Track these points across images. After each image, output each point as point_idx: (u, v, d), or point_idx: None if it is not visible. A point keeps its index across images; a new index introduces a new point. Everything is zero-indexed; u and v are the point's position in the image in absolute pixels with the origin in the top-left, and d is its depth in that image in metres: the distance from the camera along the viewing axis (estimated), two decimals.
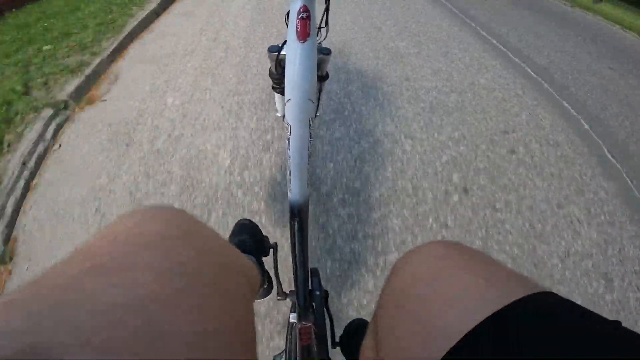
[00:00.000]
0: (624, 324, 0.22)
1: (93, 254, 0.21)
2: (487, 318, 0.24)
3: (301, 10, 0.56)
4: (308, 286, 0.68)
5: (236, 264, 0.33)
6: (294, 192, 0.67)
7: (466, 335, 0.24)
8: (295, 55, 0.58)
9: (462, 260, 0.33)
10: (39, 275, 0.19)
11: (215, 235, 0.32)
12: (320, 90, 1.04)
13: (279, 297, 0.72)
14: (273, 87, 1.05)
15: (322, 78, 0.98)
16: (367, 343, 0.44)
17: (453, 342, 0.24)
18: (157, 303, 0.18)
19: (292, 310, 0.67)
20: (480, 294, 0.27)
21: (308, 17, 0.56)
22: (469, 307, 0.26)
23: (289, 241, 0.70)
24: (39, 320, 0.15)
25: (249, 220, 0.86)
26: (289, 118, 0.61)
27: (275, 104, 1.44)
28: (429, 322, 0.27)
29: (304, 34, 0.56)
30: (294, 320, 0.62)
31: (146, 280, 0.19)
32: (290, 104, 0.60)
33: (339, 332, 0.66)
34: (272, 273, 0.74)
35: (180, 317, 0.19)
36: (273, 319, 1.13)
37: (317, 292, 0.65)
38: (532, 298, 0.25)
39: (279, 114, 1.38)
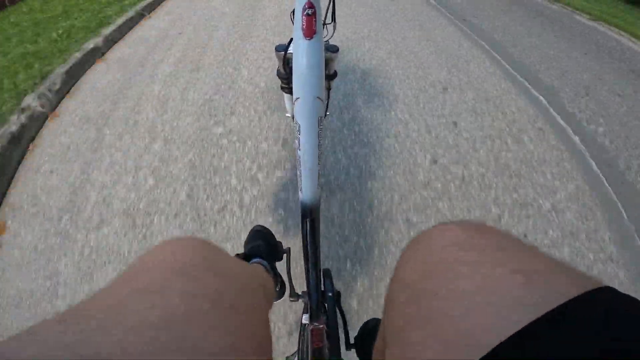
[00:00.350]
0: None
1: (134, 279, 0.25)
2: (528, 325, 0.19)
3: (306, 6, 0.55)
4: (320, 287, 0.67)
5: (253, 282, 0.37)
6: (305, 192, 0.66)
7: (498, 345, 0.19)
8: (302, 53, 0.57)
9: (489, 247, 0.27)
10: (89, 295, 0.23)
11: (234, 259, 0.37)
12: (328, 89, 1.03)
13: (291, 299, 0.72)
14: (282, 87, 1.04)
15: (330, 76, 0.96)
16: (378, 345, 0.40)
17: (481, 354, 0.19)
18: (186, 322, 0.21)
19: (305, 311, 0.66)
20: (517, 292, 0.21)
21: (314, 14, 0.55)
22: (503, 309, 0.20)
23: (301, 242, 0.70)
24: (89, 335, 0.18)
25: (263, 226, 0.87)
26: (298, 117, 0.60)
27: (284, 104, 1.44)
28: (449, 326, 0.22)
29: (310, 31, 0.55)
30: (306, 322, 0.61)
31: (177, 303, 0.23)
32: (299, 103, 0.59)
33: (353, 333, 0.65)
34: (285, 276, 0.74)
35: (206, 334, 0.22)
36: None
37: (330, 293, 0.64)
38: (585, 299, 0.20)
39: (288, 115, 1.38)
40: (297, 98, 0.59)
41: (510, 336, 0.19)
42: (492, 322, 0.20)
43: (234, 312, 0.27)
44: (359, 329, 0.64)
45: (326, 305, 0.63)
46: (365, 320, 0.67)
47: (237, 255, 0.71)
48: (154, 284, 0.24)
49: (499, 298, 0.21)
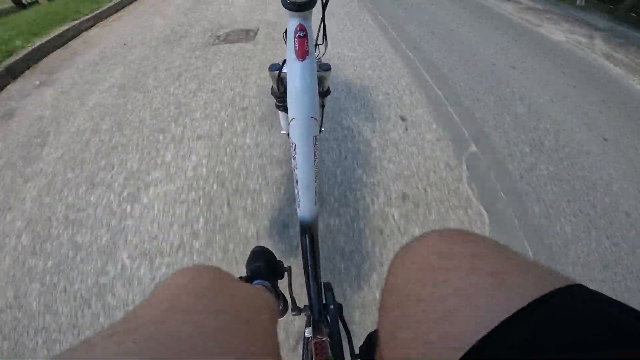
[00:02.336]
0: None
1: (165, 300, 0.30)
2: (497, 327, 0.20)
3: (298, 28, 0.56)
4: (322, 300, 0.67)
5: (261, 302, 0.43)
6: (303, 210, 0.67)
7: (472, 348, 0.20)
8: (295, 74, 0.58)
9: (466, 254, 0.29)
10: (128, 312, 0.28)
11: (241, 283, 0.44)
12: (322, 106, 1.05)
13: (293, 312, 0.72)
14: (277, 106, 1.07)
15: (323, 94, 0.99)
16: (378, 350, 0.42)
17: (459, 354, 0.20)
18: (214, 334, 0.26)
19: (307, 324, 0.66)
20: (490, 295, 0.23)
21: (305, 36, 0.57)
22: (477, 312, 0.22)
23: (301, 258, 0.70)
24: (142, 345, 0.22)
25: (263, 247, 0.88)
26: (294, 137, 0.61)
27: (280, 122, 1.46)
28: (432, 328, 0.24)
29: (302, 53, 0.57)
30: (309, 335, 0.61)
31: (204, 319, 0.28)
32: (294, 123, 0.60)
33: (358, 344, 0.65)
34: (287, 294, 0.75)
35: (231, 344, 0.27)
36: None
37: (332, 306, 0.65)
38: (553, 296, 0.21)
39: (284, 132, 1.41)
40: (293, 119, 0.60)
41: (481, 339, 0.20)
42: (468, 324, 0.22)
43: (249, 326, 0.32)
44: (364, 339, 0.64)
45: (328, 317, 0.64)
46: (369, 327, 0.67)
47: (240, 278, 0.72)
48: (182, 304, 0.29)
49: (474, 301, 0.23)
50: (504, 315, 0.20)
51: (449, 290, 0.25)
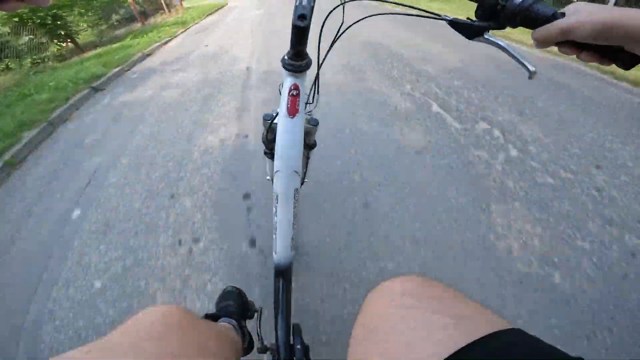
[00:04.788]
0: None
1: (135, 331, 0.33)
2: (455, 352, 0.24)
3: (292, 87, 0.60)
4: (290, 341, 0.68)
5: (225, 339, 0.47)
6: (279, 254, 0.71)
7: None
8: (285, 129, 0.62)
9: (430, 298, 0.33)
10: (101, 337, 0.31)
11: (205, 322, 0.47)
12: (308, 158, 1.11)
13: (259, 351, 0.71)
14: (265, 152, 1.13)
15: (310, 146, 1.05)
16: None
17: None
18: None
19: None
20: (447, 332, 0.27)
21: (298, 95, 0.61)
22: (437, 344, 0.26)
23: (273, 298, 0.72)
24: None
25: (235, 287, 0.89)
26: (276, 188, 0.66)
27: (266, 168, 1.51)
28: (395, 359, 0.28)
29: (293, 110, 0.61)
30: None
31: (172, 350, 0.31)
32: (278, 176, 0.65)
33: None
34: (254, 333, 0.75)
35: None
36: None
37: (298, 346, 0.65)
38: (497, 335, 0.26)
39: (268, 178, 1.45)
40: (277, 171, 0.64)
41: None
42: (428, 352, 0.26)
43: (215, 358, 0.35)
44: None
45: (294, 358, 0.64)
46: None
47: (207, 315, 0.73)
48: (150, 338, 0.32)
49: (435, 335, 0.28)
50: (461, 344, 0.25)
51: (412, 325, 0.29)
